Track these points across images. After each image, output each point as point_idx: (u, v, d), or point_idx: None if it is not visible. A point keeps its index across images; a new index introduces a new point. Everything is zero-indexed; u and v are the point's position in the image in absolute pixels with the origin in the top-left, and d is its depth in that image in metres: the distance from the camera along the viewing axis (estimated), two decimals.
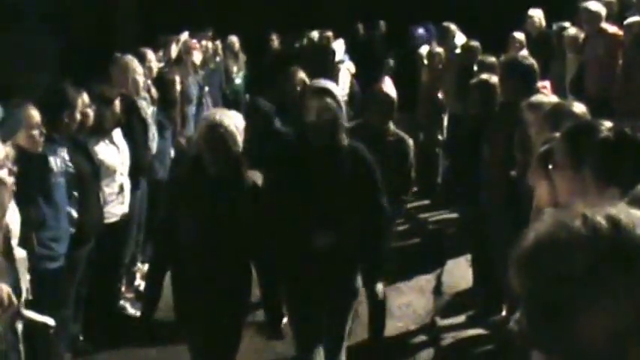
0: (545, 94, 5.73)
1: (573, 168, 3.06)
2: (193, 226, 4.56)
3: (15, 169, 3.97)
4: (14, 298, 3.12)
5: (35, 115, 4.99)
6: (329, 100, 4.91)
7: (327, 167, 4.79)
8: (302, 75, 7.14)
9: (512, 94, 5.93)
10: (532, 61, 6.15)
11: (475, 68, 8.28)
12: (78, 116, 5.58)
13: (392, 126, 6.20)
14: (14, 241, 4.32)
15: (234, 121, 4.57)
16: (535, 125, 4.78)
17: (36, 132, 5.00)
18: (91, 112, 5.87)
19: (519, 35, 9.83)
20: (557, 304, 1.40)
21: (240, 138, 4.55)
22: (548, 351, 1.45)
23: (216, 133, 4.47)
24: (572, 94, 7.52)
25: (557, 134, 3.87)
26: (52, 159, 5.23)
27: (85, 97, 5.77)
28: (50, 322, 3.28)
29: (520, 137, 5.28)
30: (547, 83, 6.42)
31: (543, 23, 10.54)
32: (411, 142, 6.24)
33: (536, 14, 10.51)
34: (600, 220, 1.41)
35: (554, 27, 10.00)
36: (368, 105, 6.43)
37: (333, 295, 4.87)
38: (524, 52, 8.52)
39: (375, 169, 4.91)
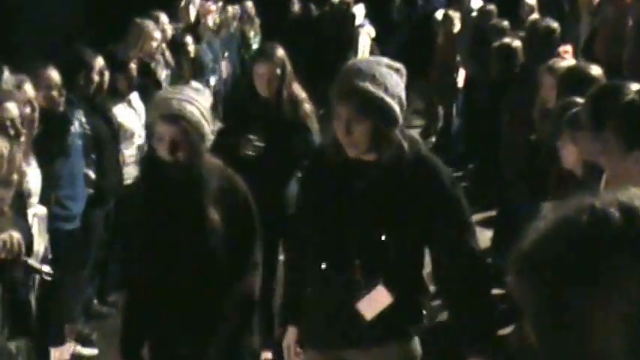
0: (566, 59, 5.66)
1: (597, 131, 3.00)
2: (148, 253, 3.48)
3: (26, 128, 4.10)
4: (23, 248, 3.20)
5: (54, 75, 5.00)
6: None
7: None
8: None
9: (534, 58, 5.90)
10: (554, 24, 6.11)
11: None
12: (95, 77, 5.59)
13: None
14: (35, 199, 4.43)
15: (199, 103, 3.36)
16: (552, 88, 4.75)
17: (55, 92, 5.00)
18: (107, 75, 5.87)
19: (530, 0, 9.75)
20: (568, 313, 1.19)
21: (208, 126, 3.37)
22: None
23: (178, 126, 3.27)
24: (584, 57, 7.46)
25: (577, 97, 3.86)
26: (71, 119, 5.27)
27: (100, 60, 5.78)
28: (49, 270, 3.40)
29: (539, 101, 5.25)
30: (569, 47, 6.35)
31: None
32: None
33: None
34: (611, 210, 1.19)
35: None
36: None
37: None
38: (535, 16, 8.43)
39: None
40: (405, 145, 3.07)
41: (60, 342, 5.13)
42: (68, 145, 5.18)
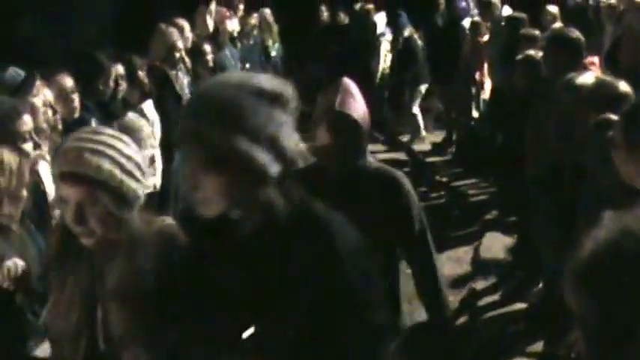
0: (593, 71, 5.57)
1: (631, 151, 2.99)
2: None
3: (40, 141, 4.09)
4: (27, 275, 3.00)
5: (69, 82, 5.00)
6: None
7: None
8: None
9: (558, 69, 5.81)
10: (578, 34, 5.99)
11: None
12: (111, 84, 5.58)
13: None
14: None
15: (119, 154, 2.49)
16: (574, 105, 4.66)
17: (70, 99, 5.00)
18: (124, 84, 5.87)
19: (552, 8, 9.69)
20: (626, 324, 1.17)
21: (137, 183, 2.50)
22: None
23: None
24: (607, 67, 7.39)
25: (610, 114, 3.80)
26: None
27: (119, 69, 5.79)
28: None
29: (556, 119, 5.13)
30: (596, 59, 6.28)
31: None
32: None
33: None
34: None
35: (591, 1, 9.84)
36: None
37: None
38: (557, 25, 8.36)
39: None
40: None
41: None
42: None
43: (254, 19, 11.51)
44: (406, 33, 11.85)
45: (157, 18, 7.49)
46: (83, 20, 11.53)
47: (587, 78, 4.89)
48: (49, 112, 4.47)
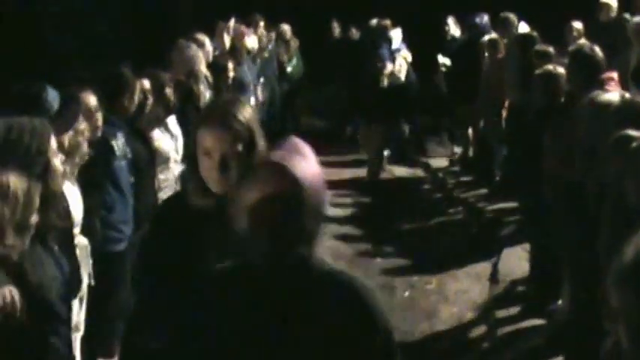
0: (612, 87, 5.58)
1: None
2: None
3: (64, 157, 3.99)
4: (17, 304, 2.95)
5: (93, 100, 4.92)
6: None
7: None
8: None
9: (578, 85, 5.84)
10: (598, 51, 6.01)
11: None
12: (136, 99, 5.58)
13: None
14: (76, 229, 4.36)
15: None
16: (596, 123, 4.67)
17: (95, 118, 4.93)
18: (150, 99, 5.89)
19: (577, 25, 9.69)
20: None
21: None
22: None
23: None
24: (635, 85, 7.38)
25: (632, 131, 3.82)
26: (113, 142, 5.23)
27: (146, 83, 5.81)
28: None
29: (579, 136, 5.15)
30: (614, 74, 6.29)
31: (615, 12, 10.36)
32: None
33: (611, 1, 10.34)
34: None
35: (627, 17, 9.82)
36: None
37: None
38: (582, 42, 8.37)
39: None
40: None
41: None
42: (114, 169, 5.18)
43: (268, 35, 11.57)
44: None
45: (176, 33, 7.54)
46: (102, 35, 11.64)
47: (611, 95, 4.91)
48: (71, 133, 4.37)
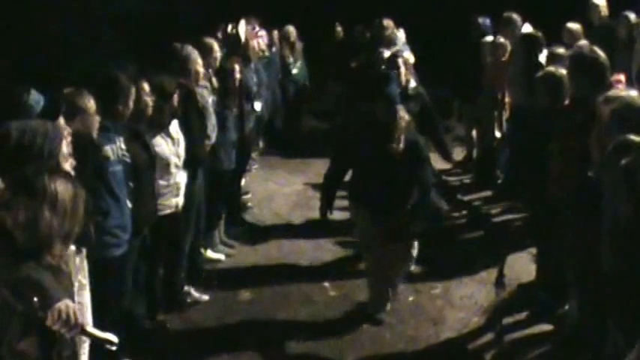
0: (620, 89, 5.50)
1: None
2: None
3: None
4: (79, 317, 2.96)
5: (91, 102, 4.89)
6: None
7: None
8: None
9: (584, 89, 5.78)
10: (601, 53, 5.95)
11: (541, 59, 8.19)
12: (131, 104, 5.45)
13: None
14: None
15: None
16: (610, 121, 4.59)
17: (91, 120, 4.91)
18: (150, 103, 5.83)
19: (574, 26, 9.64)
20: None
21: None
22: None
23: None
24: (638, 85, 7.32)
25: (631, 135, 3.76)
26: (107, 147, 5.16)
27: (145, 87, 5.75)
28: (113, 339, 3.10)
29: (596, 135, 5.05)
30: (622, 76, 6.23)
31: (606, 12, 10.34)
32: None
33: (600, 3, 10.32)
34: None
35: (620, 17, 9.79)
36: None
37: None
38: (582, 43, 8.32)
39: None
40: None
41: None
42: (107, 174, 5.12)
43: (270, 36, 11.51)
44: None
45: (181, 36, 7.46)
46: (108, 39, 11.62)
47: (626, 94, 4.75)
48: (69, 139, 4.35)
